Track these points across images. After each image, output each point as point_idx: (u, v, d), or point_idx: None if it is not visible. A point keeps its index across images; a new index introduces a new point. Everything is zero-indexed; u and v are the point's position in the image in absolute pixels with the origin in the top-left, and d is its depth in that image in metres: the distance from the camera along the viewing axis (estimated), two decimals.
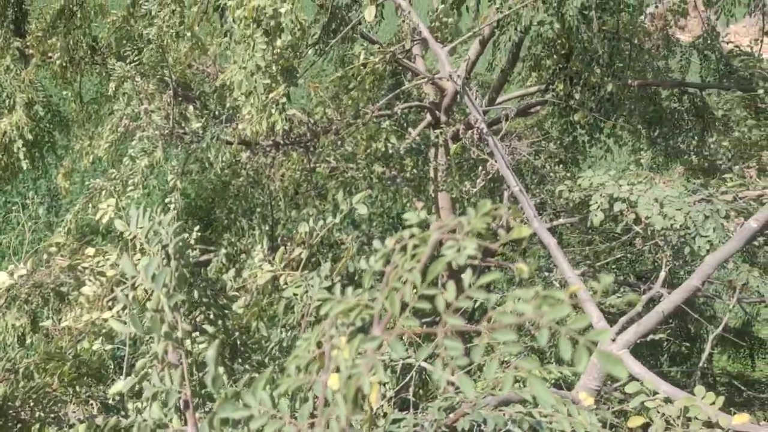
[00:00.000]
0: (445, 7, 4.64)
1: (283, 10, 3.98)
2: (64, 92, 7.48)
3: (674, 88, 6.81)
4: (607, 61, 5.49)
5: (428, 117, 8.07)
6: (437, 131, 7.01)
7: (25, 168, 6.79)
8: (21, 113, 6.53)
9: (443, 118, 7.87)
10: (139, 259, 1.78)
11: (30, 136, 6.54)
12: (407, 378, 3.67)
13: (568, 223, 6.95)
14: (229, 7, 3.64)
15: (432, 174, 7.57)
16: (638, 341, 3.82)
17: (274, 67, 3.91)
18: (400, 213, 9.16)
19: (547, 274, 6.41)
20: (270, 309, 4.23)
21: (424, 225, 1.05)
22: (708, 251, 3.92)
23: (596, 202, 3.87)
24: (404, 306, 0.94)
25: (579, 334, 0.77)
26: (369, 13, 3.08)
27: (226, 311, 2.06)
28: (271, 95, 3.78)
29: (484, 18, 4.18)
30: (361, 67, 4.11)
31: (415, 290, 0.94)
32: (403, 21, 3.77)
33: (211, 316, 2.00)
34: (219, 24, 4.96)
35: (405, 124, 8.44)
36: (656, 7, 6.75)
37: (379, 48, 4.95)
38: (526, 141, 9.46)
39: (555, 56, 5.47)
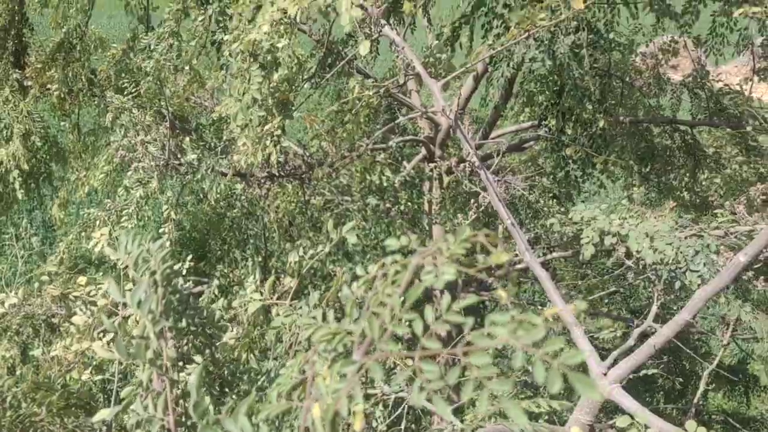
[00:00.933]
0: (438, 44, 4.72)
1: (280, 45, 4.05)
2: (62, 123, 7.53)
3: (665, 125, 6.91)
4: (598, 98, 5.58)
5: (423, 151, 8.15)
6: (432, 165, 7.07)
7: (20, 198, 6.81)
8: (18, 144, 6.57)
9: (438, 152, 7.95)
10: (129, 288, 1.79)
11: (26, 167, 6.57)
12: (398, 412, 3.64)
13: (562, 257, 6.97)
14: (225, 41, 3.71)
15: (426, 207, 7.61)
16: (633, 377, 3.81)
17: (270, 100, 3.97)
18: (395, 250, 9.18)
19: (540, 307, 6.39)
20: (261, 341, 4.21)
21: (405, 251, 1.06)
22: (699, 285, 3.93)
23: (587, 236, 3.89)
24: (385, 330, 0.95)
25: (553, 357, 0.78)
26: (364, 48, 3.14)
27: (215, 340, 2.06)
28: (266, 127, 3.83)
29: (476, 54, 4.26)
30: (356, 101, 4.17)
31: (394, 315, 0.95)
32: (398, 56, 3.85)
33: (199, 345, 2.00)
34: (216, 58, 5.05)
35: (400, 158, 8.52)
36: (647, 46, 6.88)
37: (373, 82, 5.02)
38: (520, 176, 9.55)
39: (547, 92, 5.55)
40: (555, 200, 9.65)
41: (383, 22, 3.85)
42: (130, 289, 1.69)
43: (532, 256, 3.66)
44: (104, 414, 1.47)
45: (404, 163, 8.38)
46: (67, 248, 5.33)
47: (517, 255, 3.80)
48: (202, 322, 2.03)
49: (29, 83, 6.54)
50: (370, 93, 3.79)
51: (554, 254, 6.75)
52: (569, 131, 5.57)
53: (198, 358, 2.03)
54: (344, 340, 1.02)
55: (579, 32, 5.55)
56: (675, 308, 5.76)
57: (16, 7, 6.15)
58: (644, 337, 3.96)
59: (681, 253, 3.69)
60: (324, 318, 1.09)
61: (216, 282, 6.21)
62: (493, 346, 0.83)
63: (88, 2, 5.71)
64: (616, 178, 7.10)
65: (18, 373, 5.25)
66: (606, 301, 5.65)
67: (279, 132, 3.81)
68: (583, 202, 11.50)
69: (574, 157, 5.20)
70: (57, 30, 5.83)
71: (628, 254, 3.86)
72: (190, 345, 1.97)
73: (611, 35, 5.71)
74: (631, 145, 6.67)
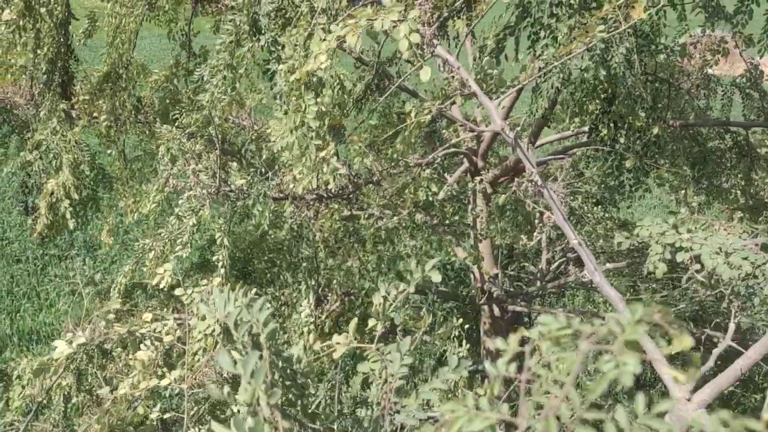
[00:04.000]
0: (489, 59, 4.64)
1: (323, 66, 4.01)
2: (108, 151, 7.63)
3: (718, 127, 6.72)
4: (650, 104, 5.43)
5: (465, 163, 8.06)
6: (477, 178, 6.97)
7: (71, 227, 6.90)
8: (67, 173, 6.65)
9: (480, 163, 7.85)
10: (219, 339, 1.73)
11: (76, 196, 6.65)
12: None
13: (616, 269, 6.81)
14: (279, 71, 3.68)
15: (471, 221, 7.51)
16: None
17: (321, 125, 3.93)
18: (445, 263, 9.09)
19: (592, 317, 6.22)
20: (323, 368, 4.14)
21: (567, 331, 0.98)
22: None
23: (656, 252, 3.76)
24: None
25: None
26: (425, 74, 3.07)
27: (306, 391, 2.00)
28: (321, 154, 3.79)
29: (531, 70, 4.16)
30: (409, 121, 4.11)
31: (572, 410, 0.88)
32: (452, 76, 3.79)
33: (292, 398, 1.94)
34: (261, 83, 5.02)
35: (442, 171, 8.44)
36: (693, 47, 6.70)
37: (421, 100, 4.96)
38: (561, 182, 9.39)
39: (597, 101, 5.43)
40: (599, 206, 9.47)
41: (436, 42, 3.79)
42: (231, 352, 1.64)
43: (602, 277, 3.55)
44: None
45: (446, 175, 8.30)
46: (124, 280, 5.37)
47: (585, 276, 3.69)
48: (293, 374, 1.97)
49: (76, 113, 6.62)
50: (425, 114, 3.73)
51: (608, 265, 6.60)
52: (622, 140, 5.43)
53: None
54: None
55: (629, 38, 5.42)
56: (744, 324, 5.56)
57: (62, 39, 6.23)
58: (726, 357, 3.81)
59: (759, 267, 3.54)
60: (477, 406, 1.01)
61: (264, 298, 6.17)
62: None
63: (134, 33, 5.76)
64: (664, 182, 6.92)
65: (74, 400, 5.27)
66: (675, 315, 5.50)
67: (334, 159, 3.77)
68: (628, 207, 11.28)
69: (633, 167, 5.07)
70: (109, 60, 5.89)
71: (698, 270, 3.71)
72: (284, 399, 1.92)
73: (660, 39, 5.56)
74: (683, 150, 6.49)
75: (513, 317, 8.85)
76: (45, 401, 5.23)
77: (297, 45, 3.56)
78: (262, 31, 4.03)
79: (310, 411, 2.00)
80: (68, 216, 6.64)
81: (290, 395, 1.97)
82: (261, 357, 1.47)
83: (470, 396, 1.03)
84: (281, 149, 3.82)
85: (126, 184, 7.42)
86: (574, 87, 5.18)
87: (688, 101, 6.93)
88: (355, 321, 2.27)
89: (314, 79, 4.06)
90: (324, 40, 3.34)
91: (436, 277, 2.28)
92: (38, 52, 5.88)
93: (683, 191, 8.44)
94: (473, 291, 8.38)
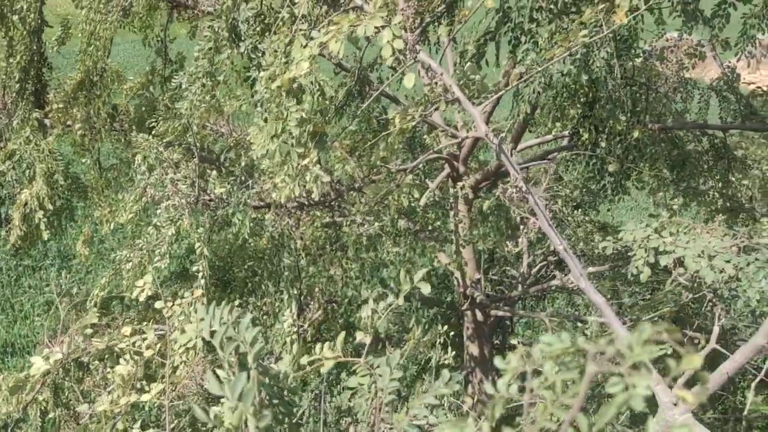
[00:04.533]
0: (471, 65, 4.62)
1: (302, 73, 3.96)
2: (83, 160, 7.48)
3: (696, 130, 6.78)
4: (630, 108, 5.45)
5: (446, 168, 8.04)
6: (459, 183, 6.95)
7: (45, 238, 6.75)
8: (41, 183, 6.51)
9: (462, 168, 7.83)
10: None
11: (50, 206, 6.50)
12: None
13: (597, 272, 6.82)
14: (260, 78, 3.62)
15: (453, 227, 7.49)
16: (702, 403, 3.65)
17: (304, 134, 3.87)
18: (429, 269, 9.05)
19: (579, 324, 6.24)
20: (310, 380, 4.07)
21: (569, 351, 0.94)
22: (758, 302, 3.79)
23: (640, 257, 3.76)
24: None
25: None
26: (409, 81, 3.03)
27: (293, 408, 1.94)
28: (303, 162, 3.73)
29: (514, 75, 4.15)
30: (392, 128, 4.07)
31: None
32: (434, 82, 3.76)
33: (279, 416, 1.89)
34: (240, 89, 4.95)
35: (423, 176, 8.41)
36: (671, 51, 6.75)
37: (404, 106, 4.92)
38: (541, 186, 9.41)
39: (578, 105, 5.44)
40: (579, 210, 9.51)
41: (419, 48, 3.75)
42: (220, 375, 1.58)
43: (588, 282, 3.53)
44: None
45: (427, 181, 8.27)
46: (100, 292, 5.25)
47: (571, 281, 3.67)
48: (281, 392, 1.91)
49: (50, 122, 6.48)
50: (408, 121, 3.70)
51: (590, 269, 6.61)
52: (603, 143, 5.44)
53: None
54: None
55: (609, 42, 5.44)
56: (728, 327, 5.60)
57: (35, 47, 6.10)
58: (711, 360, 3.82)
59: (742, 270, 3.55)
60: (476, 424, 0.97)
61: (250, 315, 6.08)
62: None
63: (109, 40, 5.64)
64: (643, 185, 6.96)
65: (50, 416, 5.14)
66: (654, 318, 5.51)
67: (318, 167, 3.71)
68: (608, 210, 11.37)
69: (606, 171, 5.08)
70: (83, 67, 5.77)
71: (668, 271, 3.73)
72: (272, 417, 1.85)
73: (637, 43, 5.59)
74: (662, 153, 6.53)
75: (495, 322, 8.85)
76: (21, 417, 5.09)
77: (277, 52, 3.50)
78: (242, 38, 3.96)
79: (297, 427, 1.94)
80: (42, 227, 6.49)
81: (278, 413, 1.91)
82: (248, 377, 1.41)
83: (471, 421, 0.99)
84: (261, 157, 3.75)
85: (101, 194, 7.29)
86: (556, 91, 5.19)
87: (666, 104, 6.99)
88: (342, 335, 2.21)
89: (295, 86, 4.00)
90: (305, 46, 3.29)
91: (426, 289, 2.24)
92: (11, 60, 5.75)
93: (661, 193, 8.51)
94: (456, 296, 8.36)
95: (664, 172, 6.49)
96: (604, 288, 7.21)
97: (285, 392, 1.96)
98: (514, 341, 7.95)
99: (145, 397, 3.35)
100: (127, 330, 3.44)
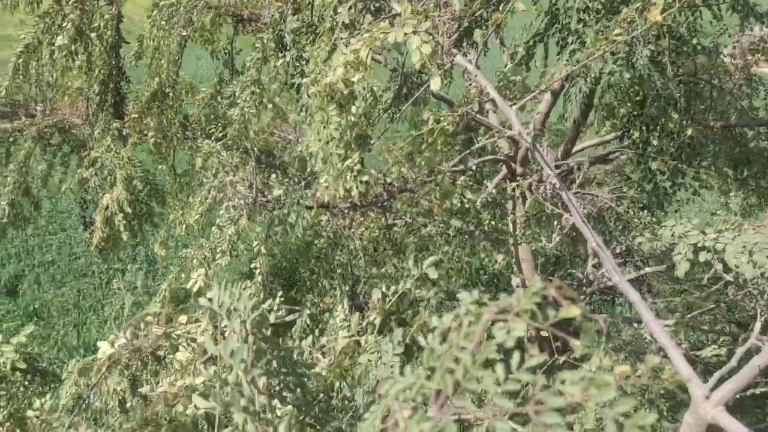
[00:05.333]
0: (512, 66, 4.72)
1: (355, 79, 4.18)
2: (159, 166, 8.01)
3: (761, 127, 6.56)
4: (684, 106, 5.38)
5: (504, 169, 8.09)
6: (513, 184, 7.00)
7: (125, 239, 7.26)
8: (121, 188, 7.03)
9: (519, 169, 7.87)
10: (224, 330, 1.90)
11: (129, 210, 7.01)
12: None
13: (657, 272, 6.70)
14: (303, 84, 3.86)
15: (510, 227, 7.53)
16: (740, 395, 3.62)
17: (349, 134, 4.08)
18: (478, 268, 9.11)
19: (636, 325, 6.16)
20: (353, 369, 4.29)
21: (479, 304, 1.10)
22: None
23: (679, 252, 3.75)
24: (458, 387, 0.99)
25: (625, 417, 0.79)
26: (436, 83, 3.19)
27: (305, 379, 2.14)
28: (345, 163, 3.94)
29: (551, 75, 4.23)
30: (432, 129, 4.23)
31: (467, 371, 0.99)
32: (470, 84, 3.88)
33: (291, 385, 2.09)
34: (296, 99, 5.24)
35: (481, 178, 8.49)
36: (734, 47, 6.57)
37: (449, 108, 5.07)
38: (606, 188, 9.28)
39: (629, 104, 5.41)
40: (645, 211, 9.30)
41: (455, 52, 3.90)
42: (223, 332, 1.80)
43: (621, 277, 3.56)
44: None
45: (486, 182, 8.35)
46: (168, 287, 5.66)
47: (605, 276, 3.71)
48: (292, 363, 2.12)
49: (128, 131, 7.02)
50: (444, 123, 3.84)
51: (647, 269, 6.51)
52: (654, 142, 5.39)
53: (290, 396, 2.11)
54: (421, 391, 1.06)
55: (659, 39, 5.39)
56: None
57: (113, 62, 6.63)
58: (750, 355, 3.75)
59: None
60: (401, 371, 1.13)
61: (307, 311, 6.38)
62: (563, 405, 0.84)
63: (178, 53, 6.09)
64: (710, 185, 6.78)
65: (128, 405, 5.57)
66: (706, 317, 5.39)
67: (358, 167, 3.92)
68: (676, 211, 11.09)
69: (660, 170, 5.03)
70: (151, 80, 6.25)
71: (728, 268, 3.67)
72: (282, 385, 2.06)
73: (694, 39, 5.51)
74: (725, 151, 6.36)
75: (556, 324, 8.77)
76: (103, 407, 5.54)
77: (318, 59, 3.74)
78: (287, 48, 4.23)
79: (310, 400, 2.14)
80: (122, 229, 7.00)
81: (289, 382, 2.12)
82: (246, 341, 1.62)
83: (404, 368, 1.15)
84: (310, 158, 4.00)
85: (176, 198, 7.78)
86: (602, 90, 5.19)
87: (731, 102, 6.80)
88: (357, 315, 2.40)
89: (345, 92, 4.23)
90: (343, 54, 3.51)
91: (433, 274, 2.39)
92: (90, 74, 6.29)
93: (732, 194, 8.24)
94: None
95: (726, 171, 6.32)
96: (668, 288, 7.06)
97: (297, 365, 2.16)
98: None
99: (198, 380, 3.64)
100: (183, 318, 3.75)
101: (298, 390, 2.16)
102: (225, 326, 1.73)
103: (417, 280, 2.68)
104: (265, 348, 1.75)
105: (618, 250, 9.29)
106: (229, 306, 1.76)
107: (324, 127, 3.75)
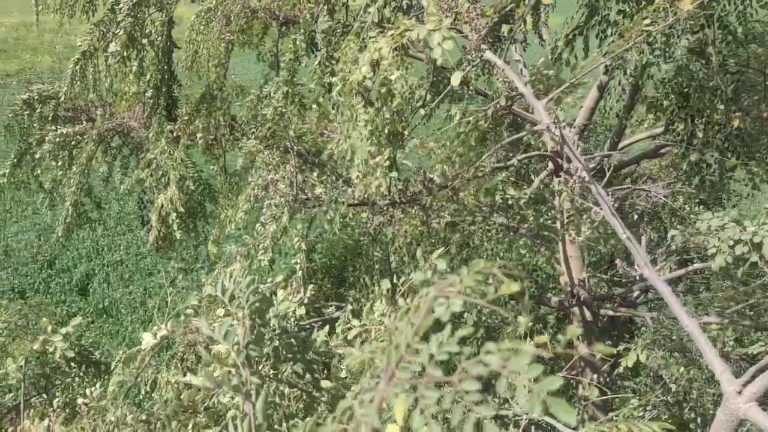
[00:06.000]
0: (545, 60, 4.69)
1: (393, 77, 4.24)
2: (212, 167, 8.28)
3: None
4: (731, 96, 5.21)
5: (550, 165, 8.00)
6: (558, 179, 6.91)
7: (178, 237, 7.54)
8: (174, 189, 7.31)
9: (565, 165, 7.76)
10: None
11: (182, 209, 7.28)
12: None
13: (706, 267, 6.49)
14: (333, 83, 3.96)
15: (558, 224, 7.44)
16: None
17: (379, 131, 4.15)
18: (517, 263, 9.02)
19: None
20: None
21: (428, 283, 1.15)
22: None
23: (714, 246, 3.66)
24: (401, 359, 1.05)
25: (533, 382, 0.84)
26: (455, 79, 3.23)
27: (314, 365, 2.23)
28: (375, 160, 4.02)
29: (581, 68, 4.18)
30: (464, 125, 4.26)
31: (409, 345, 1.04)
32: (498, 79, 3.89)
33: (300, 371, 2.18)
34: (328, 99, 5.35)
35: (527, 174, 8.41)
36: None
37: (487, 103, 5.07)
38: (660, 183, 9.02)
39: (672, 96, 5.28)
40: (702, 206, 8.99)
41: (483, 47, 3.92)
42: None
43: (652, 270, 3.51)
44: None
45: (533, 177, 8.27)
46: (212, 282, 5.86)
47: (636, 270, 3.65)
48: (302, 349, 2.21)
49: (179, 133, 7.30)
50: (477, 117, 3.86)
51: (697, 265, 6.32)
52: (700, 134, 5.24)
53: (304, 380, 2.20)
54: (372, 366, 1.13)
55: (704, 29, 5.24)
56: None
57: (165, 67, 6.92)
58: None
59: None
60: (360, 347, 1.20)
61: (350, 307, 6.50)
62: (483, 373, 0.89)
63: (226, 56, 6.30)
64: (762, 179, 6.53)
65: (182, 396, 5.80)
66: (751, 311, 5.19)
67: (387, 163, 3.98)
68: (734, 206, 10.70)
69: (705, 163, 4.89)
70: (197, 83, 6.48)
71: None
72: (291, 371, 2.15)
73: (741, 29, 5.33)
74: None
75: (608, 322, 8.62)
76: (157, 396, 5.80)
77: (348, 58, 3.83)
78: (318, 48, 4.34)
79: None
80: (175, 227, 7.28)
81: (299, 368, 2.21)
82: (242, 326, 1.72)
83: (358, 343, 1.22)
84: (342, 156, 4.09)
85: (227, 197, 8.03)
86: (643, 83, 5.09)
87: None
88: (369, 305, 2.46)
89: (382, 88, 4.30)
90: (368, 52, 3.58)
91: (441, 265, 2.44)
92: (142, 79, 6.58)
93: None
94: (563, 295, 8.27)
95: None
96: (719, 286, 6.83)
97: (308, 351, 2.25)
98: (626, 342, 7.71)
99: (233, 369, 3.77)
100: (220, 311, 3.91)
101: (308, 376, 2.24)
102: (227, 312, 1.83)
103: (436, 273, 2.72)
104: (264, 334, 1.84)
105: (673, 247, 9.02)
106: (231, 293, 1.86)
107: (353, 125, 3.83)
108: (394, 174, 3.76)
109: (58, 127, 7.57)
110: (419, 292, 1.25)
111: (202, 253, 20.04)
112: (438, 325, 1.09)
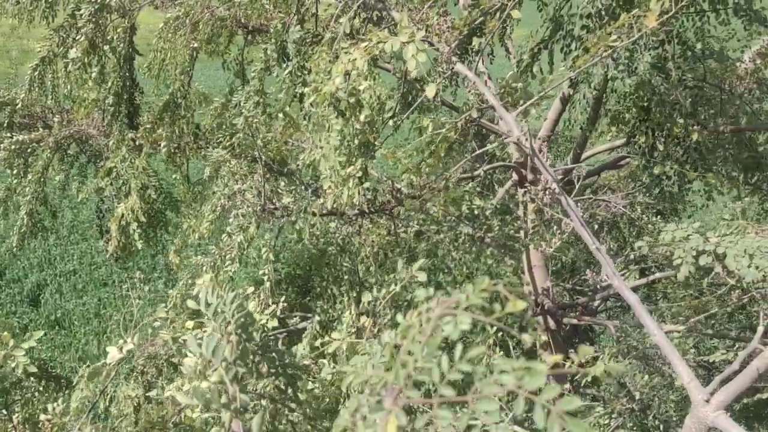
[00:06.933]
0: (513, 73, 4.76)
1: (362, 87, 4.24)
2: (174, 176, 8.14)
3: None
4: (690, 110, 5.38)
5: (514, 176, 8.12)
6: (523, 190, 7.03)
7: (140, 248, 7.38)
8: (135, 198, 7.16)
9: (530, 176, 7.89)
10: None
11: (144, 219, 7.13)
12: None
13: (667, 277, 6.68)
14: (306, 93, 3.94)
15: (522, 234, 7.55)
16: (748, 401, 3.60)
17: (354, 143, 4.15)
18: (484, 273, 9.13)
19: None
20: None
21: (431, 299, 1.15)
22: None
23: (678, 257, 3.76)
24: (410, 378, 1.04)
25: (553, 403, 0.84)
26: (430, 91, 3.25)
27: (297, 381, 2.20)
28: (348, 170, 4.01)
29: (549, 81, 4.26)
30: (432, 137, 4.29)
31: (417, 364, 1.04)
32: (468, 91, 3.93)
33: (281, 385, 2.15)
34: (299, 109, 5.32)
35: (491, 184, 8.51)
36: (742, 51, 6.55)
37: (456, 115, 5.12)
38: (620, 193, 9.25)
39: (634, 109, 5.43)
40: (659, 216, 9.24)
41: (454, 59, 3.96)
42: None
43: (620, 280, 3.58)
44: None
45: (497, 188, 8.38)
46: (178, 293, 5.76)
47: (604, 281, 3.73)
48: (284, 365, 2.18)
49: (141, 141, 7.16)
50: (445, 129, 3.89)
51: (657, 274, 6.49)
52: (661, 147, 5.39)
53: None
54: (377, 386, 1.12)
55: (665, 45, 5.40)
56: None
57: (127, 74, 6.78)
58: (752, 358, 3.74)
59: None
60: (364, 366, 1.19)
61: (317, 318, 6.45)
62: (498, 393, 0.89)
63: (190, 64, 6.21)
64: (721, 191, 6.74)
65: (141, 411, 5.66)
66: (712, 320, 5.36)
67: (360, 174, 3.98)
68: (689, 216, 11.01)
69: (666, 175, 5.03)
70: (156, 94, 6.37)
71: (732, 273, 3.67)
72: (272, 387, 2.12)
73: (699, 45, 5.52)
74: (735, 156, 6.33)
75: (571, 330, 8.77)
76: (116, 411, 5.64)
77: (320, 69, 3.82)
78: (290, 58, 4.32)
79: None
80: (136, 237, 7.12)
81: (280, 383, 2.18)
82: (226, 341, 1.68)
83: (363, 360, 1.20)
84: (310, 167, 4.07)
85: (190, 206, 7.90)
86: (606, 96, 5.21)
87: (740, 106, 6.76)
88: (349, 315, 2.45)
89: (351, 100, 4.30)
90: (341, 63, 3.58)
91: (422, 277, 2.44)
92: (104, 86, 6.44)
93: (747, 199, 8.15)
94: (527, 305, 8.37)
95: (735, 174, 6.28)
96: (679, 295, 7.03)
97: (289, 367, 2.22)
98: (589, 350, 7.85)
99: (204, 384, 3.70)
100: (189, 323, 3.83)
101: (290, 391, 2.21)
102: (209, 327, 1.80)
103: (410, 285, 2.72)
104: (250, 348, 1.81)
105: (632, 256, 9.24)
106: (216, 308, 1.82)
107: (326, 136, 3.82)
108: (367, 184, 3.76)
109: (13, 134, 7.34)
110: (419, 309, 1.25)
111: (160, 263, 19.64)
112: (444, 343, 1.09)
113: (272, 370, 2.07)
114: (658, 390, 5.62)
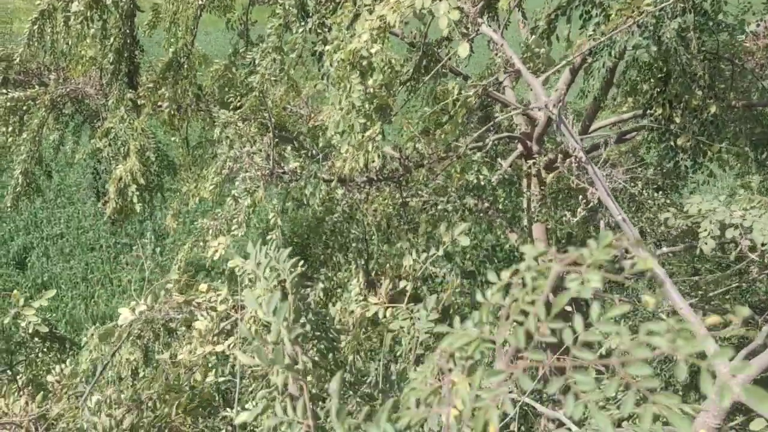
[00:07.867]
0: (536, 38, 4.64)
1: (374, 50, 4.11)
2: (172, 138, 7.95)
3: None
4: (708, 83, 5.29)
5: (519, 147, 8.02)
6: (530, 161, 6.94)
7: (138, 211, 7.23)
8: (134, 160, 6.99)
9: (535, 147, 7.79)
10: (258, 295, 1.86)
11: (143, 181, 6.97)
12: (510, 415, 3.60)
13: (671, 252, 6.65)
14: (326, 51, 3.80)
15: (525, 204, 7.48)
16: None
17: (367, 106, 4.03)
18: (494, 245, 9.08)
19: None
20: (367, 343, 4.28)
21: (541, 258, 1.05)
22: None
23: (705, 229, 3.70)
24: (531, 339, 0.95)
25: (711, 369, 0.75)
26: (463, 50, 3.13)
27: (336, 344, 2.12)
28: (367, 133, 3.89)
29: (577, 46, 4.14)
30: (455, 102, 4.16)
31: (538, 323, 0.95)
32: (496, 54, 3.80)
33: (323, 349, 2.06)
34: (316, 68, 5.16)
35: (495, 156, 8.41)
36: (758, 25, 6.45)
37: (471, 81, 4.99)
38: (621, 168, 9.19)
39: (652, 80, 5.32)
40: (660, 192, 9.21)
41: (480, 21, 3.82)
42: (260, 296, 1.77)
43: (645, 251, 3.51)
44: (245, 417, 1.54)
45: (500, 160, 8.28)
46: (184, 257, 5.64)
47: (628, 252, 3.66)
48: (325, 327, 2.09)
49: (142, 102, 6.95)
50: (470, 93, 3.77)
51: (664, 249, 6.47)
52: (678, 119, 5.31)
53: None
54: (481, 347, 1.03)
55: (685, 15, 5.28)
56: None
57: (128, 31, 6.55)
58: None
59: None
60: (451, 324, 1.10)
61: (321, 285, 6.36)
62: (652, 357, 0.81)
63: (194, 23, 6.00)
64: (729, 166, 6.69)
65: (141, 375, 5.59)
66: (724, 297, 5.34)
67: (379, 137, 3.87)
68: (690, 193, 11.01)
69: (684, 147, 4.95)
70: (166, 50, 6.17)
71: (752, 248, 3.61)
72: (315, 349, 2.04)
73: (719, 16, 5.40)
74: (745, 131, 6.27)
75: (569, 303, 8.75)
76: (116, 376, 5.55)
77: (342, 26, 3.68)
78: (310, 14, 4.16)
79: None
80: (135, 200, 6.97)
81: (322, 347, 2.09)
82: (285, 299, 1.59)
83: (457, 321, 1.11)
84: (330, 129, 3.95)
85: (189, 170, 7.74)
86: (627, 65, 5.10)
87: (752, 81, 6.68)
88: (387, 282, 2.37)
89: (363, 61, 4.16)
90: (368, 20, 3.44)
91: (464, 241, 2.35)
92: (105, 42, 6.22)
93: (748, 177, 8.13)
94: None
95: (747, 150, 6.23)
96: (681, 269, 7.01)
97: (330, 330, 2.13)
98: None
99: (219, 348, 3.62)
100: (203, 287, 3.73)
101: (330, 356, 2.13)
102: (252, 287, 1.70)
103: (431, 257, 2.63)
104: (302, 310, 1.72)
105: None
106: (266, 266, 1.72)
107: (346, 96, 3.69)
108: (386, 148, 3.65)
109: (8, 90, 7.10)
110: (519, 268, 1.16)
111: (148, 228, 19.44)
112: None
113: (316, 333, 1.98)
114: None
